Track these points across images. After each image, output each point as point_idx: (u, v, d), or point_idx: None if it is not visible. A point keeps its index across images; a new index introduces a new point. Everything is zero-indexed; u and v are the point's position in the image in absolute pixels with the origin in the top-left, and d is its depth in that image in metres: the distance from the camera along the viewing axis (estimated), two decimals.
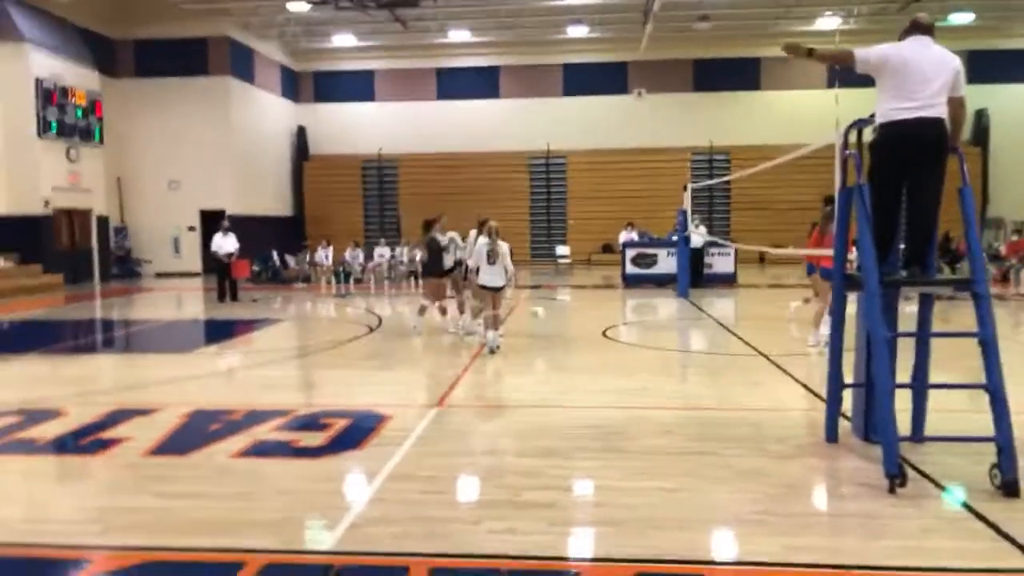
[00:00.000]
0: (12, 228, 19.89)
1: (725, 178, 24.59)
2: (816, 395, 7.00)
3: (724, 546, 3.99)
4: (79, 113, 21.56)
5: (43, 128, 20.16)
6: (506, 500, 4.54)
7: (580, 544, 4.02)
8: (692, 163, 28.00)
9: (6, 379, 8.71)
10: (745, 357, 9.30)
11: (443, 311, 11.16)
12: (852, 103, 5.48)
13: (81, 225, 22.26)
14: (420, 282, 14.63)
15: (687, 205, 16.93)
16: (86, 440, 6.01)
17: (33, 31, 20.18)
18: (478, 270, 9.78)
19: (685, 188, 17.35)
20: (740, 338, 10.73)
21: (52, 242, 20.84)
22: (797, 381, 7.79)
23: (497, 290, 9.76)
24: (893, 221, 5.25)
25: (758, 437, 5.80)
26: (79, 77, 21.73)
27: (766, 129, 26.81)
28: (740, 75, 27.83)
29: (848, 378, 5.65)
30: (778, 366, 8.59)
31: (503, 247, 9.69)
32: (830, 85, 26.25)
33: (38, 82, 19.97)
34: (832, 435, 5.60)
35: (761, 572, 3.60)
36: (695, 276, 17.90)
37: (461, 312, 11.05)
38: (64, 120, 20.92)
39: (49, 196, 20.56)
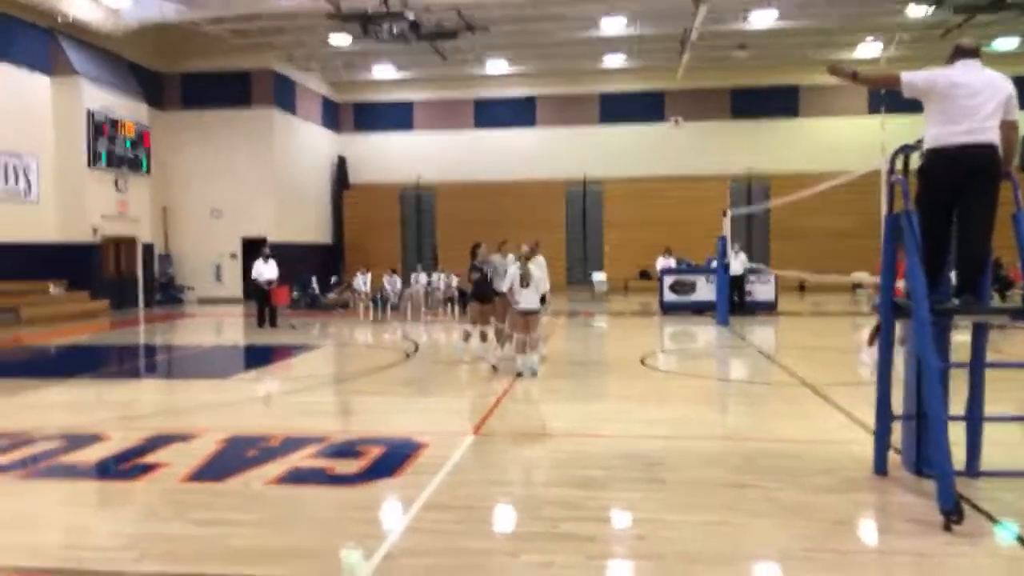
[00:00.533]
0: (62, 255, 20.44)
1: (764, 205, 24.33)
2: (863, 426, 6.78)
3: None
4: (128, 144, 22.20)
5: (93, 159, 20.78)
6: (544, 532, 4.44)
7: None
8: (731, 191, 27.77)
9: (51, 403, 8.87)
10: (788, 387, 9.09)
11: (483, 337, 11.12)
12: (897, 129, 5.36)
13: (127, 253, 22.82)
14: (464, 308, 14.55)
15: (727, 231, 16.75)
16: (126, 465, 6.06)
17: (85, 65, 20.90)
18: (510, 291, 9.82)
19: (725, 214, 17.19)
20: (782, 366, 10.50)
21: (99, 269, 21.37)
22: (843, 412, 7.56)
23: (533, 313, 9.79)
24: (943, 248, 5.09)
25: (803, 470, 5.61)
26: (128, 109, 22.41)
27: (805, 157, 26.54)
28: (778, 103, 27.67)
29: (897, 409, 5.47)
30: (823, 396, 8.37)
31: (535, 268, 9.75)
32: (872, 111, 25.93)
33: (90, 114, 20.64)
34: (881, 468, 5.40)
35: None
36: (735, 303, 17.65)
37: (497, 340, 10.96)
38: (114, 151, 21.55)
39: (98, 224, 21.13)
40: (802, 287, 26.00)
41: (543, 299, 10.38)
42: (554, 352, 10.71)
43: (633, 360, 11.31)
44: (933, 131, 4.95)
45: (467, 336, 11.14)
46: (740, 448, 6.36)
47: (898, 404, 5.52)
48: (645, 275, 26.67)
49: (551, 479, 5.56)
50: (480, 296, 10.77)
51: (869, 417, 5.81)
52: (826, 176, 13.46)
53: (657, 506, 4.88)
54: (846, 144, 25.59)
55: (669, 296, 19.00)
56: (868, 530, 4.65)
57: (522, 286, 9.65)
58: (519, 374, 9.66)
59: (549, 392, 9.08)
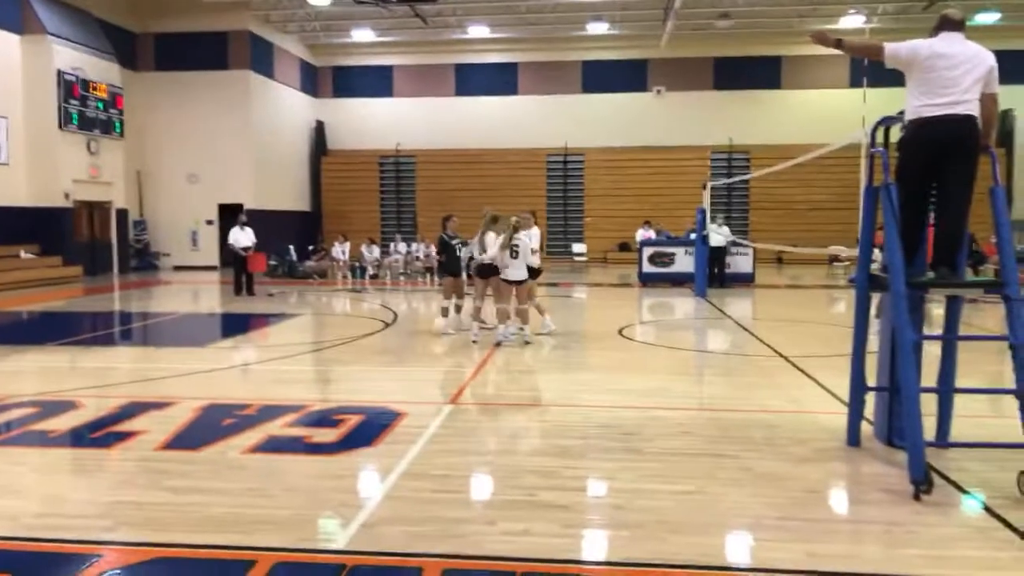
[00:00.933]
0: (34, 220, 20.06)
1: (744, 177, 24.39)
2: (837, 398, 6.87)
3: (743, 552, 3.90)
4: (100, 106, 21.70)
5: (64, 120, 20.30)
6: (521, 500, 4.47)
7: (596, 547, 3.94)
8: (711, 162, 27.79)
9: (24, 370, 8.75)
10: (764, 358, 9.18)
11: (458, 309, 11.12)
12: (878, 102, 5.35)
13: (101, 218, 22.43)
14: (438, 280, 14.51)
15: (706, 203, 16.78)
16: (100, 433, 6.00)
17: (55, 23, 20.32)
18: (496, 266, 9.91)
19: (704, 186, 17.19)
20: (759, 339, 10.60)
21: (72, 234, 21.00)
22: (817, 383, 7.66)
23: (519, 283, 9.92)
24: (921, 221, 5.12)
25: (777, 440, 5.69)
26: (100, 70, 21.87)
27: (787, 128, 26.58)
28: (761, 74, 27.59)
29: (870, 381, 5.53)
30: (798, 368, 8.46)
31: (524, 239, 9.87)
32: (853, 84, 25.95)
33: (60, 74, 20.11)
34: (854, 439, 5.48)
35: None
36: (716, 275, 17.74)
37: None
38: (85, 113, 21.06)
39: (70, 188, 20.71)
40: (780, 259, 26.19)
41: (535, 271, 10.37)
42: (532, 325, 10.73)
43: (611, 331, 11.36)
44: (914, 103, 4.95)
45: (445, 312, 11.10)
46: (716, 418, 6.43)
47: (871, 376, 5.59)
48: (625, 247, 26.74)
49: (528, 449, 5.59)
50: (452, 270, 10.75)
51: (843, 389, 5.88)
52: (807, 148, 13.49)
53: (634, 476, 4.92)
54: (827, 116, 25.61)
55: (648, 268, 19.05)
56: (840, 499, 4.73)
57: (512, 257, 9.78)
58: (498, 343, 9.73)
59: (527, 363, 9.10)
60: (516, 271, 9.88)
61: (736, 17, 24.50)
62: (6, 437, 5.95)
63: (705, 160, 27.72)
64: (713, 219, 17.90)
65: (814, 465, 5.14)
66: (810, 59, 27.19)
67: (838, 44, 5.08)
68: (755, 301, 16.45)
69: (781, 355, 9.24)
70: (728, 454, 5.36)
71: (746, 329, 11.94)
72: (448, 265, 10.80)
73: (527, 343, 9.95)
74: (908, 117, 5.00)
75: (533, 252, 10.13)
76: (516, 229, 9.93)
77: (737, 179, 24.47)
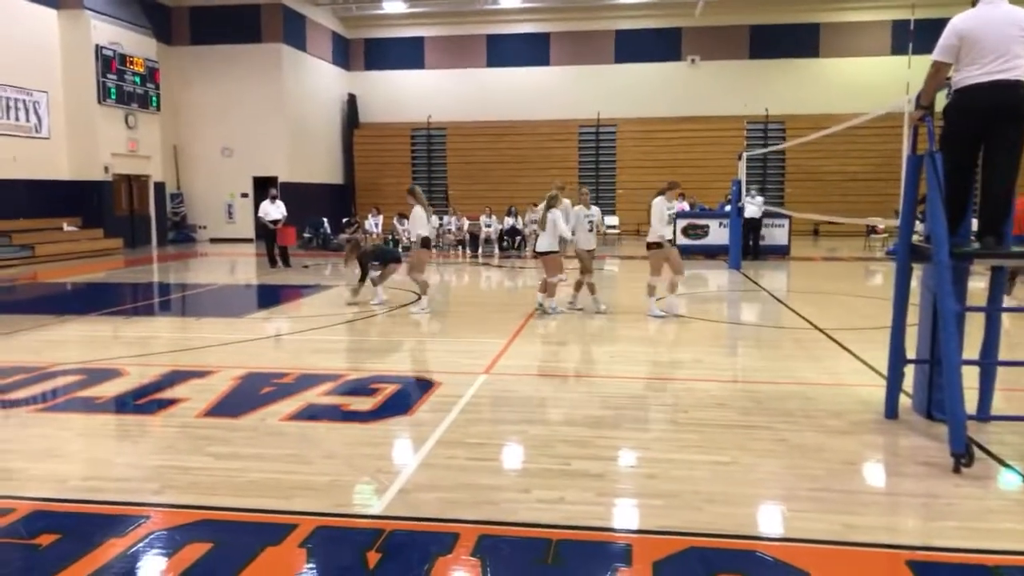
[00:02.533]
0: (76, 193, 20.46)
1: (779, 146, 23.96)
2: (874, 370, 6.79)
3: (779, 522, 3.89)
4: (137, 80, 21.95)
5: (103, 95, 20.59)
6: (555, 469, 4.50)
7: (631, 515, 3.96)
8: (747, 132, 27.33)
9: (69, 338, 8.98)
10: (799, 331, 9.08)
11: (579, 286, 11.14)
12: (923, 69, 5.21)
13: (139, 191, 22.81)
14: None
15: (741, 174, 16.54)
16: (144, 400, 6.16)
17: None
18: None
19: (740, 157, 16.94)
20: (794, 311, 10.48)
21: (112, 207, 21.40)
22: (854, 355, 7.57)
23: (544, 254, 10.15)
24: (966, 190, 5.01)
25: (814, 412, 5.65)
26: (137, 44, 22.10)
27: (824, 97, 26.00)
28: (798, 41, 26.94)
29: (910, 354, 5.45)
30: (834, 340, 8.37)
31: (555, 213, 10.02)
32: (896, 51, 25.25)
33: (98, 49, 20.36)
34: (892, 411, 5.42)
35: (817, 550, 3.50)
36: (751, 247, 17.52)
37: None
38: (123, 87, 21.33)
39: (109, 162, 21.07)
40: (816, 231, 25.78)
41: (563, 241, 10.45)
42: (564, 294, 10.73)
43: (645, 303, 11.29)
44: (961, 71, 4.83)
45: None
46: (750, 390, 6.40)
47: (911, 349, 5.51)
48: None
49: (562, 418, 5.62)
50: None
51: (880, 361, 5.81)
52: (845, 117, 13.18)
53: (668, 446, 4.93)
54: (868, 85, 25.00)
55: (682, 240, 18.88)
56: (877, 472, 4.69)
57: (541, 229, 10.11)
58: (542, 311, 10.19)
59: (560, 333, 9.12)
60: (540, 244, 10.16)
61: None
62: (54, 403, 6.13)
63: (740, 130, 27.26)
64: (748, 190, 17.63)
65: (851, 437, 5.10)
66: (850, 26, 26.51)
67: (925, 107, 5.02)
68: (790, 273, 16.24)
69: (817, 327, 9.14)
70: (762, 425, 5.34)
71: (781, 301, 11.82)
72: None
73: (545, 312, 10.16)
74: (954, 86, 4.88)
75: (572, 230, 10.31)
76: (551, 204, 10.04)
77: (772, 149, 24.04)
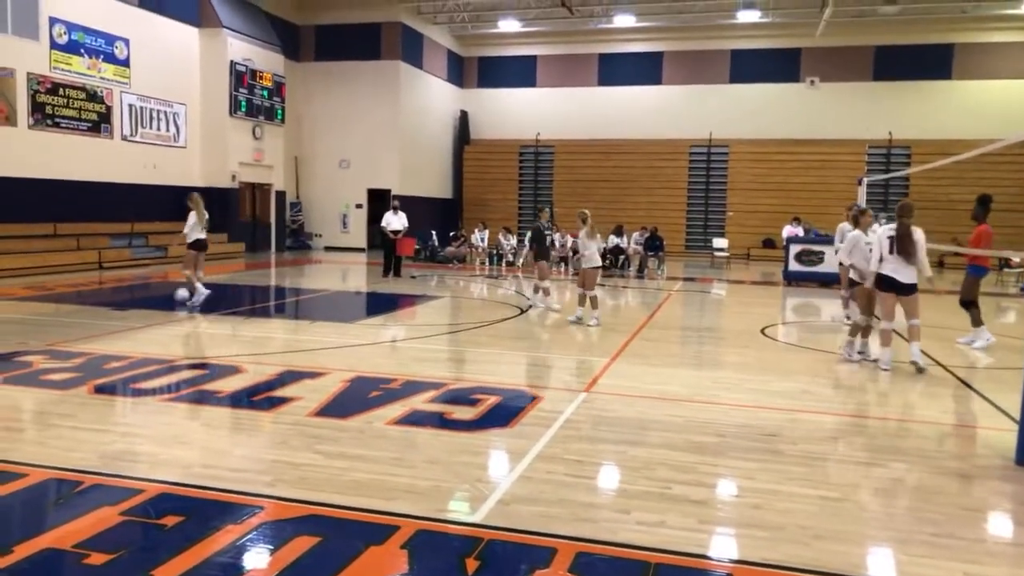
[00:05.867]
0: (206, 199, 21.64)
1: (903, 172, 22.83)
2: (1004, 412, 6.35)
3: (892, 566, 3.69)
4: (265, 94, 23.24)
5: (234, 107, 21.92)
6: (656, 492, 4.44)
7: (733, 545, 3.85)
8: (868, 157, 26.21)
9: (196, 335, 9.57)
10: None
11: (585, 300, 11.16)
12: None
13: (262, 199, 24.08)
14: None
15: (862, 200, 15.84)
16: (259, 397, 6.48)
17: (229, 17, 21.95)
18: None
19: (860, 182, 16.25)
20: None
21: (237, 214, 22.67)
22: (981, 396, 7.10)
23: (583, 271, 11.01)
24: None
25: (934, 453, 5.34)
26: (267, 60, 23.42)
27: (955, 122, 24.66)
28: (928, 63, 25.66)
29: None
30: (958, 378, 7.88)
31: (584, 237, 10.94)
32: None
33: (232, 64, 21.72)
34: (1023, 458, 5.06)
35: None
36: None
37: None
38: (252, 100, 22.64)
39: (236, 171, 22.36)
40: (941, 263, 24.37)
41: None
42: (668, 318, 10.56)
43: (753, 329, 11.00)
44: None
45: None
46: (863, 425, 6.11)
47: None
48: (769, 243, 25.77)
49: (662, 442, 5.53)
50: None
51: (1011, 403, 5.43)
52: (977, 143, 12.46)
53: (774, 477, 4.77)
54: (1004, 109, 23.56)
55: (794, 266, 18.26)
56: (1003, 520, 4.38)
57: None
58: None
59: (663, 356, 8.99)
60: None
61: (903, 2, 22.91)
62: (179, 395, 6.54)
63: (861, 155, 26.17)
64: (876, 216, 16.85)
65: (975, 482, 4.79)
66: (988, 47, 25.05)
67: None
68: None
69: (940, 364, 8.63)
70: (878, 463, 5.08)
71: (900, 335, 11.22)
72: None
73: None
74: None
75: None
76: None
77: (895, 174, 22.93)
